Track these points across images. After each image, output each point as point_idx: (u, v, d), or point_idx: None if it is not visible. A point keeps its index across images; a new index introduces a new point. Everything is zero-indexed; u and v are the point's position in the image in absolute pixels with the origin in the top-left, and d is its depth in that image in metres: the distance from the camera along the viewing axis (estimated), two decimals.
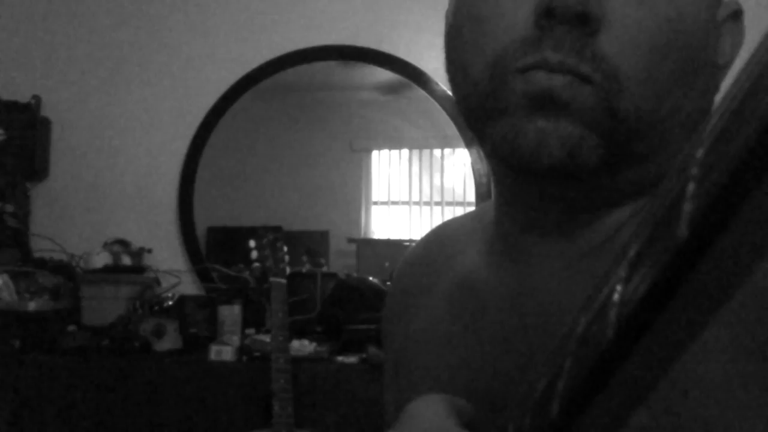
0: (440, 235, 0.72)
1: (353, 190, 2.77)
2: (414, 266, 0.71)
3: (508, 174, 0.55)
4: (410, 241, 2.70)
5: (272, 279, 2.10)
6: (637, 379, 0.22)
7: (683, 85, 0.49)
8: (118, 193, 2.67)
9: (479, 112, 0.51)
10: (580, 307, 0.28)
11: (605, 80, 0.46)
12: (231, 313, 2.23)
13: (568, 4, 0.45)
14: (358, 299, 2.24)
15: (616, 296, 0.21)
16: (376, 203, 2.78)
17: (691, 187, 0.19)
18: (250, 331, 2.24)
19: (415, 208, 2.79)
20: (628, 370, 0.21)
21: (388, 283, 2.32)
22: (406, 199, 2.80)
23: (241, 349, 2.15)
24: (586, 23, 0.46)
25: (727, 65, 0.54)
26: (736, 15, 0.54)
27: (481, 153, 2.56)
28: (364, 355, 2.06)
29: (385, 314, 0.75)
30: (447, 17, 0.56)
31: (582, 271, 0.52)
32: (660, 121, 0.49)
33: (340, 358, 2.10)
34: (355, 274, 2.48)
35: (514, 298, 0.56)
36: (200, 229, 2.65)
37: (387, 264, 2.51)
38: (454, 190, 2.77)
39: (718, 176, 0.17)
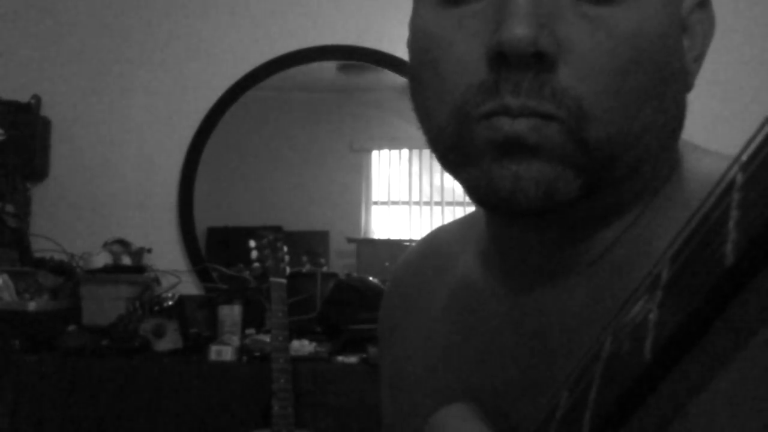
0: (435, 242, 0.70)
1: (353, 190, 2.77)
2: (409, 274, 0.70)
3: (490, 211, 0.55)
4: (410, 241, 2.70)
5: (272, 279, 2.10)
6: (664, 406, 0.21)
7: (653, 99, 0.47)
8: (118, 193, 2.67)
9: (450, 158, 0.50)
10: (601, 329, 0.27)
11: (570, 115, 0.45)
12: (231, 313, 2.23)
13: (520, 47, 0.43)
14: (358, 299, 2.24)
15: (651, 318, 0.21)
16: (376, 203, 2.78)
17: (734, 213, 0.18)
18: (250, 331, 2.24)
19: (415, 208, 2.79)
20: (659, 395, 0.21)
21: (388, 283, 2.32)
22: (406, 199, 2.80)
23: (241, 349, 2.15)
24: (541, 61, 0.44)
25: (699, 57, 0.52)
26: (703, 3, 0.52)
27: None
28: (364, 355, 2.06)
29: (381, 323, 0.73)
30: (408, 48, 0.54)
31: (578, 288, 0.52)
32: (634, 140, 0.47)
33: (340, 358, 2.10)
34: (355, 274, 2.48)
35: (513, 314, 0.55)
36: (200, 229, 2.65)
37: (387, 264, 2.51)
38: (454, 190, 2.77)
39: (765, 205, 0.17)
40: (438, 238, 0.71)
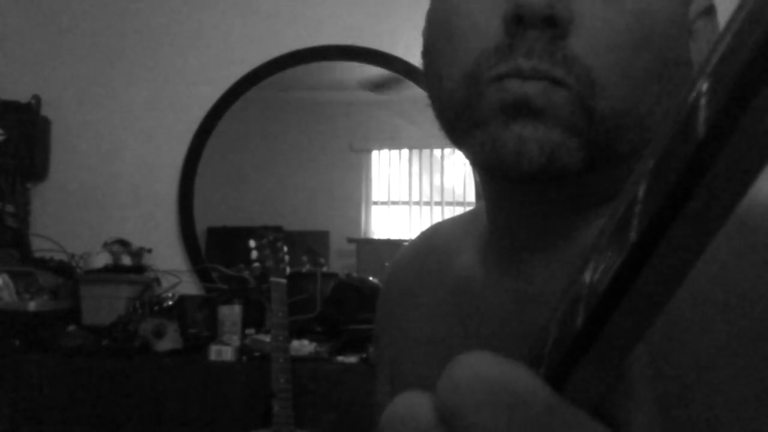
0: (433, 239, 0.70)
1: (353, 190, 2.77)
2: (407, 270, 0.70)
3: (493, 181, 0.55)
4: (410, 241, 2.70)
5: (272, 279, 2.10)
6: (650, 292, 0.22)
7: (659, 81, 0.49)
8: (118, 193, 2.67)
9: (458, 123, 0.51)
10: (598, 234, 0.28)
11: (579, 82, 0.46)
12: (231, 313, 2.23)
13: (535, 9, 0.45)
14: (358, 299, 2.24)
15: (637, 208, 0.21)
16: (376, 203, 2.78)
17: (703, 100, 0.19)
18: (250, 331, 2.24)
19: (415, 208, 2.79)
20: (645, 278, 0.21)
21: (385, 280, 2.33)
22: (406, 199, 2.80)
23: (241, 349, 2.15)
24: (554, 26, 0.46)
25: None
26: (709, 11, 0.54)
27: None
28: (364, 355, 2.06)
29: (378, 321, 0.73)
30: (423, 36, 0.56)
31: None
32: (639, 118, 0.48)
33: (340, 358, 2.10)
34: (355, 274, 2.48)
35: (515, 306, 0.55)
36: (200, 229, 2.65)
37: (387, 264, 2.51)
38: (454, 190, 2.77)
39: (728, 81, 0.18)
40: (437, 233, 0.71)
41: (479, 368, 0.24)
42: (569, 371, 0.24)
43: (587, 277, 0.24)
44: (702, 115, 0.19)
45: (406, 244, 0.75)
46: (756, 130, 0.18)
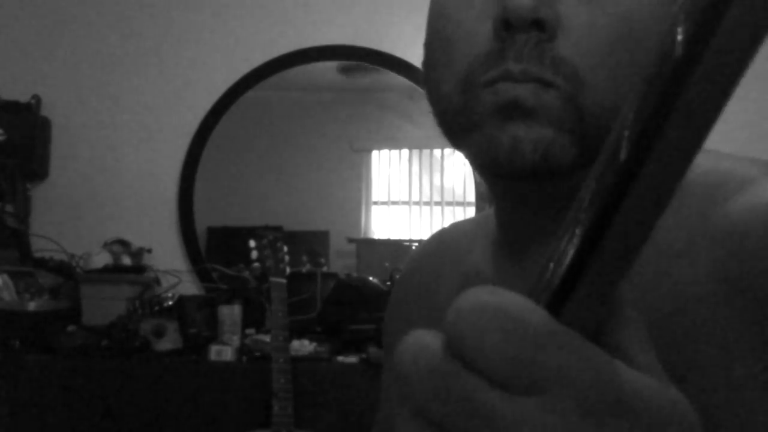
0: (443, 240, 0.73)
1: (353, 190, 2.77)
2: (417, 271, 0.72)
3: (493, 181, 0.57)
4: (410, 241, 2.70)
5: (272, 279, 2.10)
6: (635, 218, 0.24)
7: None
8: (118, 193, 2.67)
9: (455, 126, 0.53)
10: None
11: (567, 82, 0.48)
12: (231, 313, 2.23)
13: (522, 13, 0.47)
14: (358, 299, 2.24)
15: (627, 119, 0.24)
16: (376, 203, 2.78)
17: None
18: (250, 331, 2.24)
19: (415, 208, 2.79)
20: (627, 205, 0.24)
21: (388, 283, 2.33)
22: (406, 199, 2.80)
23: (241, 349, 2.15)
24: (542, 29, 0.48)
25: None
26: None
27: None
28: (364, 355, 2.06)
29: (388, 318, 0.75)
30: (424, 48, 0.58)
31: None
32: None
33: (340, 358, 2.10)
34: (355, 274, 2.48)
35: None
36: (200, 229, 2.65)
37: (387, 264, 2.51)
38: (454, 190, 2.77)
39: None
40: (447, 234, 0.74)
41: (480, 297, 0.26)
42: (567, 296, 0.26)
43: (580, 206, 0.26)
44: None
45: (420, 243, 0.77)
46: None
